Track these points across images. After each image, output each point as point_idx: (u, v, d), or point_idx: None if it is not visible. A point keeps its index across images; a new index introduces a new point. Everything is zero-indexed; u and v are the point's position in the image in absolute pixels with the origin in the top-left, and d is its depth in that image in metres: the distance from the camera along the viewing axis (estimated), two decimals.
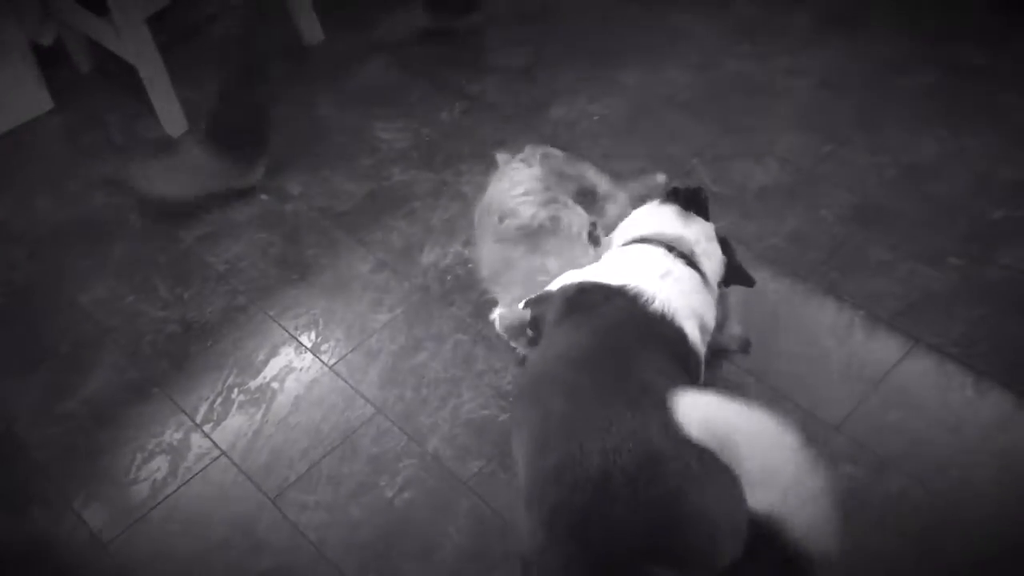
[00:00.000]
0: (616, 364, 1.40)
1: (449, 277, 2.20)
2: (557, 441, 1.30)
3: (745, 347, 1.90)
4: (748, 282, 1.73)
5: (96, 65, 2.93)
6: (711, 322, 1.62)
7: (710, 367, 1.93)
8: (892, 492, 1.72)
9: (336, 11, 2.97)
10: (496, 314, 2.04)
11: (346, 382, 2.02)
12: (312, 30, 2.89)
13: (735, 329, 1.86)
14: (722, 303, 1.81)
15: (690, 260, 1.60)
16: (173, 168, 2.39)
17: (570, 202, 1.86)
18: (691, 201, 1.70)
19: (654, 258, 1.58)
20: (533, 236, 1.83)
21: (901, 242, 2.12)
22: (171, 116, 2.65)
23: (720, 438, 1.17)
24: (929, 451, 1.77)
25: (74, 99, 2.84)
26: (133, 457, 1.94)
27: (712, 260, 1.65)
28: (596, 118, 2.55)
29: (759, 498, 1.13)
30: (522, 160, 1.94)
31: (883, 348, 1.93)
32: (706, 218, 1.71)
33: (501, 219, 1.85)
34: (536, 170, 1.89)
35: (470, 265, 2.21)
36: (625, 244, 1.67)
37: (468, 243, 2.26)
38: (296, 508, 1.82)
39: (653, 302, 1.49)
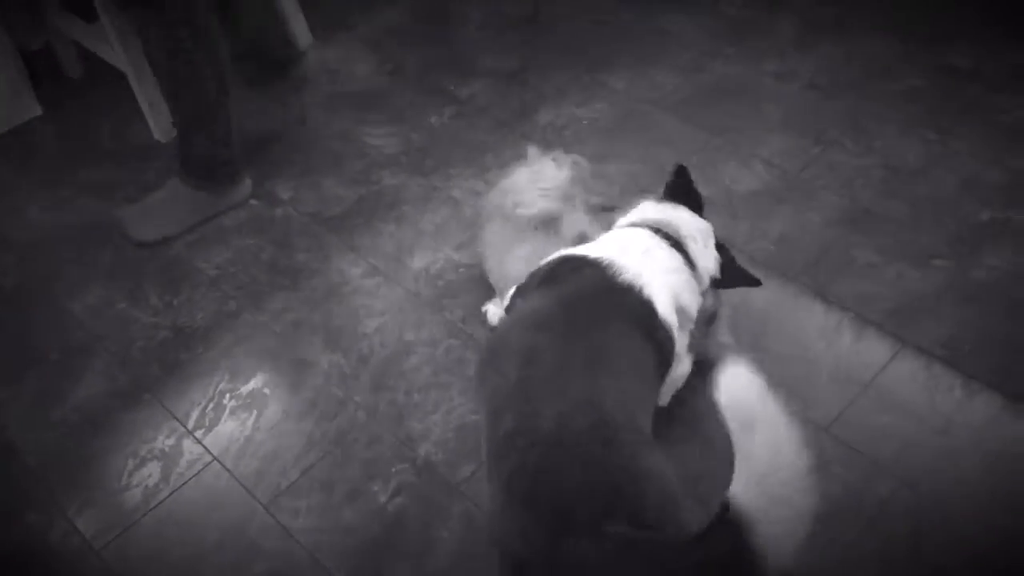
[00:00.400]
0: (575, 329, 1.40)
1: (440, 282, 2.20)
2: (513, 404, 1.31)
3: None
4: (752, 281, 1.71)
5: (86, 71, 2.93)
6: (691, 306, 1.61)
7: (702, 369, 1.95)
8: (882, 494, 1.74)
9: (325, 14, 2.97)
10: (488, 307, 2.07)
11: (338, 387, 2.03)
12: (301, 34, 2.89)
13: (724, 338, 1.87)
14: (713, 305, 1.82)
15: (677, 243, 1.60)
16: (159, 209, 2.39)
17: (581, 209, 1.89)
18: (678, 187, 1.71)
19: (638, 237, 1.60)
20: (540, 229, 1.88)
21: (888, 244, 2.14)
22: (160, 122, 2.65)
23: (744, 418, 1.19)
24: (919, 453, 1.79)
25: (63, 105, 2.84)
26: (125, 463, 1.94)
27: (701, 247, 1.64)
28: (585, 122, 2.56)
29: (745, 488, 1.16)
30: (553, 160, 1.99)
31: (871, 350, 1.95)
32: (699, 212, 1.72)
33: (516, 205, 1.89)
34: (565, 172, 1.92)
35: (461, 270, 2.21)
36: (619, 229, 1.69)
37: (460, 247, 2.26)
38: (289, 514, 1.82)
39: (623, 273, 1.49)
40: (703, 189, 2.29)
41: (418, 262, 2.25)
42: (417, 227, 2.34)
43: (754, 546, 1.15)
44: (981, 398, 1.85)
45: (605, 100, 2.61)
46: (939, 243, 2.12)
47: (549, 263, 1.58)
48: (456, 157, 2.50)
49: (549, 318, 1.44)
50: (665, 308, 1.52)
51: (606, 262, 1.51)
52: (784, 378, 1.91)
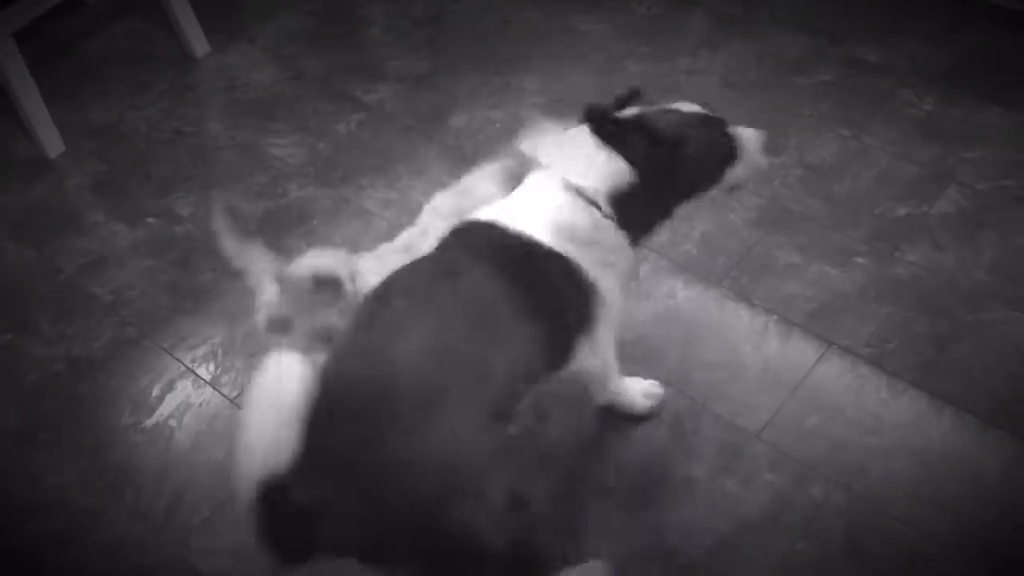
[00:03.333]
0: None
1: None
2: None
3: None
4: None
5: None
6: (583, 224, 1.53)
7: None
8: (815, 497, 1.72)
9: (221, 21, 2.84)
10: None
11: None
12: (197, 42, 2.75)
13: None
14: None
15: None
16: None
17: None
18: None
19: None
20: None
21: (809, 243, 2.13)
22: (46, 136, 2.49)
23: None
24: (849, 453, 1.77)
25: None
26: (24, 510, 1.80)
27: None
28: (498, 125, 2.49)
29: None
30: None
31: (798, 353, 1.93)
32: None
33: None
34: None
35: None
36: None
37: None
38: (201, 555, 1.72)
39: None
40: None
41: None
42: (329, 241, 2.23)
43: None
44: (906, 396, 1.85)
45: (518, 102, 2.54)
46: (858, 241, 2.12)
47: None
48: (366, 166, 2.40)
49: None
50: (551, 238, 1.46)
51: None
52: (713, 384, 1.89)
